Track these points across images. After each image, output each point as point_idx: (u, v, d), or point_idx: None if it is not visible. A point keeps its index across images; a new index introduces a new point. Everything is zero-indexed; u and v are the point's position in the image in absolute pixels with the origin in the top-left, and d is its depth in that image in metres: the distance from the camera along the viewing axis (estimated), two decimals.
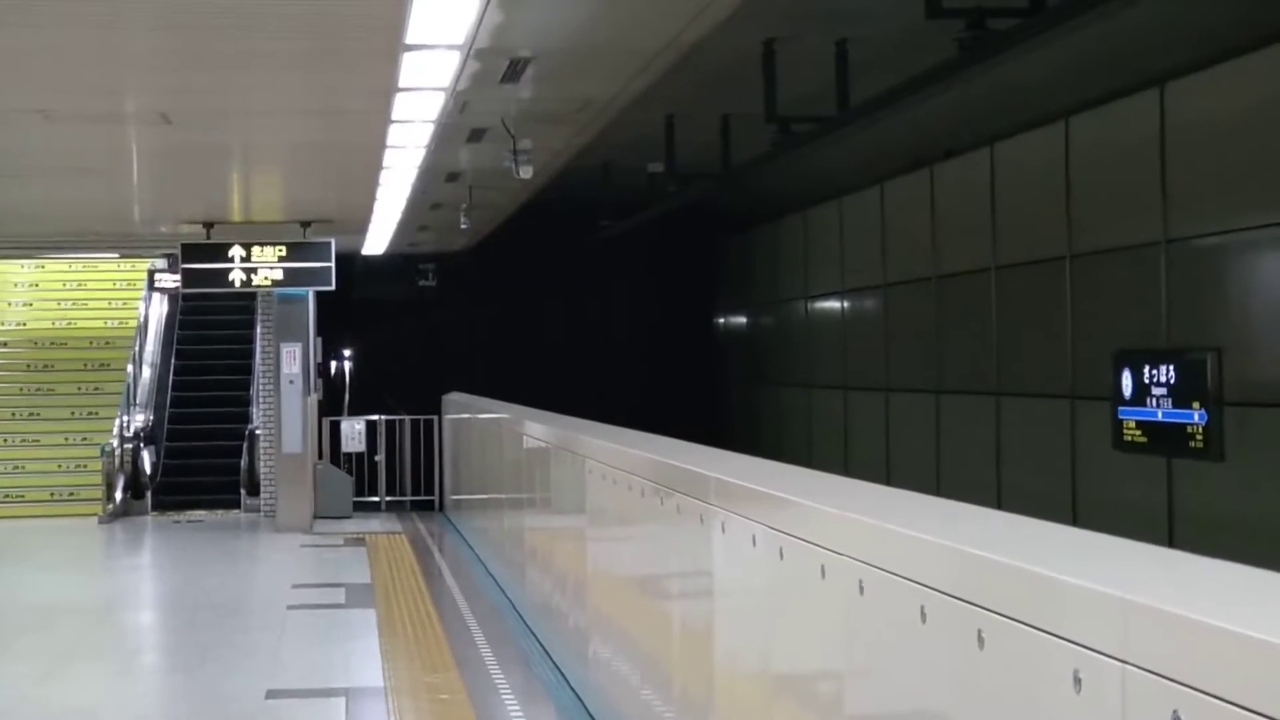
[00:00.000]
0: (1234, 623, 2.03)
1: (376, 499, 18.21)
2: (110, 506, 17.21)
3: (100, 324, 20.56)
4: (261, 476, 17.46)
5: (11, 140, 9.83)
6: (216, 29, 6.86)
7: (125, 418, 18.27)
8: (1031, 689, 2.62)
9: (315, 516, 16.79)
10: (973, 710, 2.89)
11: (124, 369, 19.26)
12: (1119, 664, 2.29)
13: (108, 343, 20.11)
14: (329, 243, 15.20)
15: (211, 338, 20.36)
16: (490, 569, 12.61)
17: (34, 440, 18.46)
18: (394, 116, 9.28)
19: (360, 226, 15.97)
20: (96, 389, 19.28)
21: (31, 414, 18.79)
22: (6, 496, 17.71)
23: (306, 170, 12.13)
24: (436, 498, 18.22)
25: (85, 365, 19.71)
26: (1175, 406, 10.02)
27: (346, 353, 22.36)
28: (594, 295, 22.45)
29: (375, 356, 22.31)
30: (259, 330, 18.62)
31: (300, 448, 16.60)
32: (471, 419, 14.84)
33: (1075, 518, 11.31)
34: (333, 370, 21.58)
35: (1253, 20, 9.27)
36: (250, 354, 19.44)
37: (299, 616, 10.91)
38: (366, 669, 8.86)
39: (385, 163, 11.30)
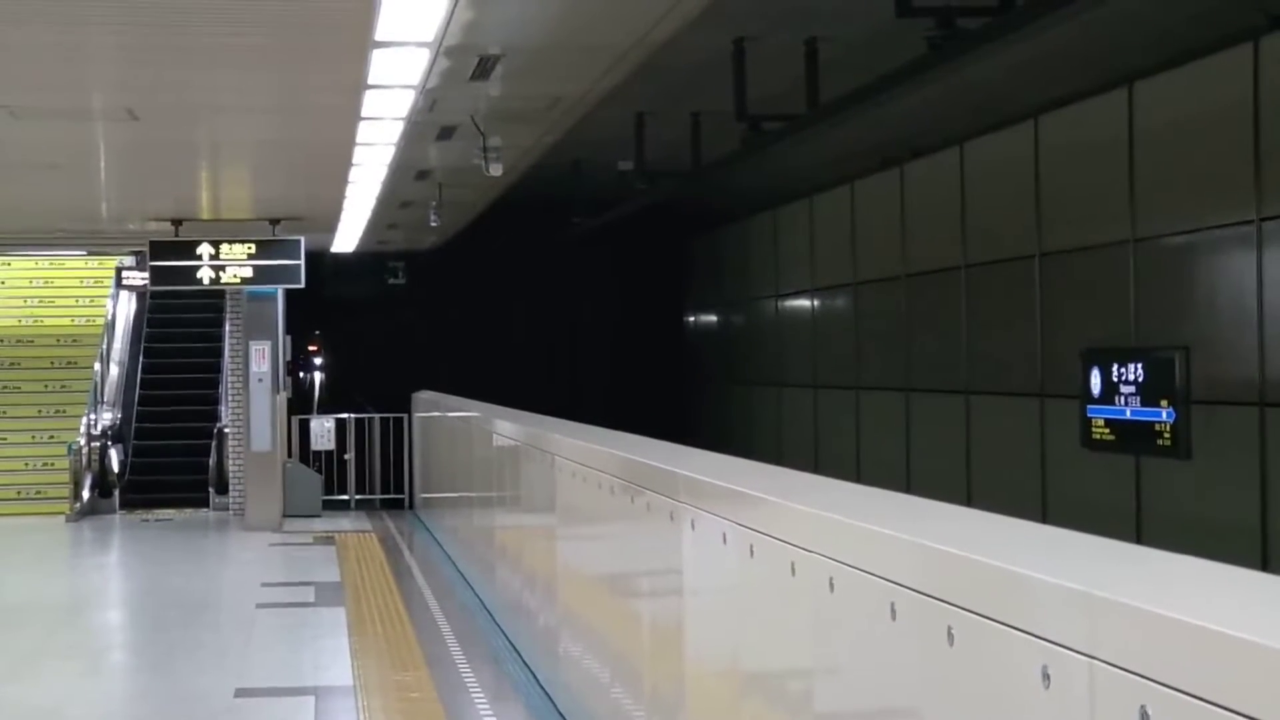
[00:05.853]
0: (1201, 619, 2.04)
1: (346, 497, 18.15)
2: (78, 505, 17.10)
3: (67, 322, 20.42)
4: (230, 475, 17.38)
5: None
6: (184, 25, 6.83)
7: (92, 416, 18.16)
8: (1001, 685, 2.62)
9: (284, 515, 16.73)
10: (942, 707, 2.90)
11: (91, 367, 19.15)
12: (1087, 660, 2.30)
13: (75, 340, 19.98)
14: (298, 240, 15.14)
15: (180, 335, 20.25)
16: (460, 567, 12.59)
17: (0, 438, 18.33)
18: (363, 114, 9.25)
19: (330, 224, 15.92)
20: (64, 387, 19.16)
21: None
22: None
23: (275, 167, 12.08)
24: (406, 496, 18.17)
25: (52, 363, 19.59)
26: (1143, 405, 10.06)
27: (318, 361, 22.29)
28: (564, 293, 22.43)
29: (345, 355, 22.26)
30: (228, 328, 18.54)
31: (269, 446, 16.54)
32: (441, 417, 14.81)
33: (1045, 515, 11.35)
34: (302, 376, 21.52)
35: (1219, 21, 9.32)
36: (219, 352, 19.35)
37: (268, 615, 10.87)
38: (336, 667, 8.83)
39: (355, 160, 11.27)
